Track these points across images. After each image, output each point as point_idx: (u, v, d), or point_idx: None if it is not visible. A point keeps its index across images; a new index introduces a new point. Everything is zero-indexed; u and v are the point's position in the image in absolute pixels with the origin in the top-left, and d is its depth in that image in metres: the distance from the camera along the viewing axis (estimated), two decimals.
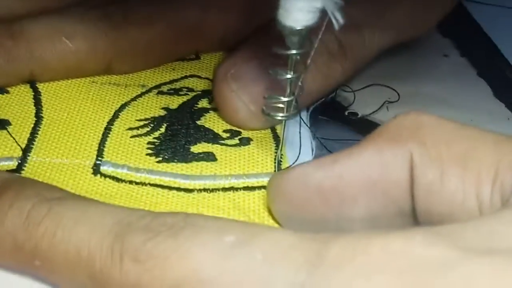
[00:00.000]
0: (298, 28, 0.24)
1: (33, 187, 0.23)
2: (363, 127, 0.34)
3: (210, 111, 0.32)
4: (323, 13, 0.24)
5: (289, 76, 0.26)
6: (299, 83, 0.27)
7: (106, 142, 0.29)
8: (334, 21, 0.23)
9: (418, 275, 0.16)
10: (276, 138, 0.30)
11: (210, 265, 0.18)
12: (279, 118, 0.27)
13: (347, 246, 0.17)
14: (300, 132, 0.30)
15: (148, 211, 0.21)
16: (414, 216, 0.22)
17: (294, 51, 0.25)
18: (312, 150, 0.31)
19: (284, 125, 0.29)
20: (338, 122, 0.34)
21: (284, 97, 0.27)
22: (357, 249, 0.17)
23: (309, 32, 0.25)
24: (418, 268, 0.16)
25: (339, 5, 0.23)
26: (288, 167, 0.28)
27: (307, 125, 0.32)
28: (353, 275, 0.17)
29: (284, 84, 0.27)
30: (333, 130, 0.34)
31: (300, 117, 0.31)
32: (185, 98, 0.32)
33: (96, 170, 0.28)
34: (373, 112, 0.35)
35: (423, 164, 0.21)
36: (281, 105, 0.27)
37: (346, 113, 0.35)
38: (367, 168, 0.22)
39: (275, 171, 0.29)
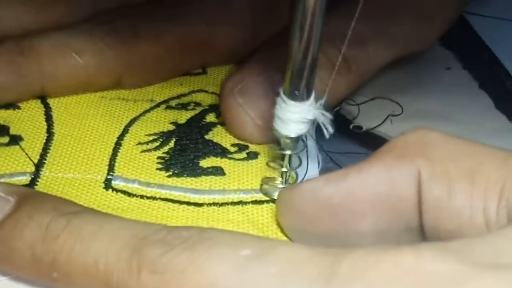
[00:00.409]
0: (292, 136, 0.27)
1: (51, 201, 0.23)
2: (368, 140, 0.35)
3: (217, 126, 0.32)
4: None
5: (284, 169, 0.29)
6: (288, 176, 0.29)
7: (117, 157, 0.30)
8: (324, 130, 0.27)
9: None
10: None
11: (226, 278, 0.19)
12: (275, 196, 0.28)
13: (359, 261, 0.18)
14: (307, 145, 0.31)
15: (163, 225, 0.21)
16: (421, 232, 0.22)
17: (288, 152, 0.28)
18: (319, 163, 0.31)
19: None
20: (343, 135, 0.35)
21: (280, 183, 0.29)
22: (369, 264, 0.18)
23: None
24: (429, 283, 0.17)
25: (328, 117, 0.27)
26: (297, 182, 0.29)
27: (313, 138, 0.32)
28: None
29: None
30: (338, 143, 0.34)
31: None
32: (193, 113, 0.33)
33: (107, 184, 0.28)
34: (377, 125, 0.35)
35: (431, 180, 0.22)
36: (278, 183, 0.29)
37: (351, 127, 0.35)
38: (375, 184, 0.23)
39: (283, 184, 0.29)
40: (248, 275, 0.19)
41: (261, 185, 0.29)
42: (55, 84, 0.32)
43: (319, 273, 0.18)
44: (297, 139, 0.28)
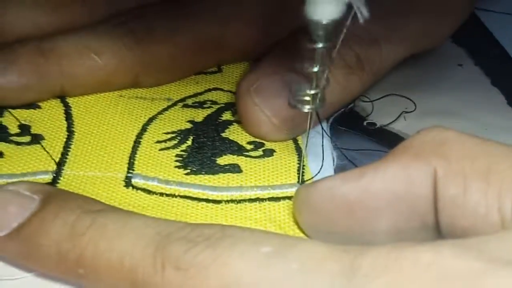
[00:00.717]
0: (324, 22, 0.25)
1: (75, 199, 0.24)
2: (382, 137, 0.35)
3: (233, 123, 0.33)
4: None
5: (315, 69, 0.27)
6: (325, 76, 0.28)
7: (136, 155, 0.30)
8: (359, 14, 0.24)
9: (449, 286, 0.17)
10: (298, 149, 0.31)
11: (248, 274, 0.19)
12: (306, 110, 0.28)
13: (379, 258, 0.18)
14: (322, 143, 0.31)
15: (186, 223, 0.22)
16: (437, 230, 0.23)
17: (320, 45, 0.26)
18: (333, 160, 0.32)
19: (308, 136, 0.30)
20: (357, 132, 0.35)
21: (311, 89, 0.28)
22: (389, 262, 0.18)
23: (336, 26, 0.25)
24: (448, 279, 0.17)
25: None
26: (314, 180, 0.29)
27: (328, 136, 0.33)
28: (386, 287, 0.18)
29: (311, 77, 0.28)
30: (352, 140, 0.35)
31: (322, 128, 0.32)
32: (209, 111, 0.33)
33: (128, 182, 0.29)
34: (391, 122, 0.35)
35: (447, 179, 0.22)
36: (307, 98, 0.28)
37: (365, 123, 0.36)
38: (392, 183, 0.23)
39: (298, 181, 0.30)
40: (269, 271, 0.19)
41: (289, 102, 0.28)
42: (74, 84, 0.33)
43: (340, 270, 0.19)
44: (329, 29, 0.25)
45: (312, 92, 0.28)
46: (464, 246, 0.18)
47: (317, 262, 0.19)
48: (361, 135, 0.35)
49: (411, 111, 0.36)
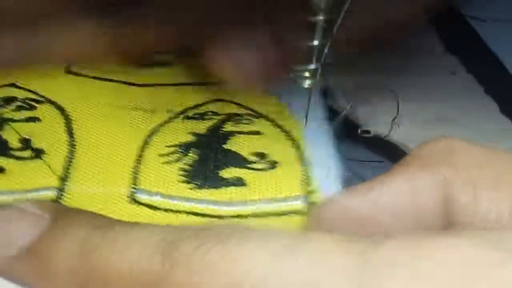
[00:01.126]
0: None
1: (83, 216, 0.24)
2: (376, 146, 0.35)
3: (235, 134, 0.33)
4: None
5: (315, 43, 0.27)
6: (325, 51, 0.27)
7: (139, 170, 0.30)
8: None
9: (469, 274, 0.17)
10: (302, 160, 0.31)
11: (258, 269, 0.19)
12: (306, 85, 0.28)
13: (395, 249, 0.18)
14: (327, 153, 0.31)
15: (192, 226, 0.22)
16: None
17: (321, 17, 0.26)
18: (338, 171, 0.31)
19: (307, 115, 0.30)
20: (352, 140, 0.35)
21: (310, 65, 0.28)
22: (406, 252, 0.18)
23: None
24: (468, 268, 0.17)
25: None
26: (318, 188, 0.29)
27: (333, 145, 0.32)
28: (404, 278, 0.18)
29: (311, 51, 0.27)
30: (347, 148, 0.35)
31: (327, 137, 0.32)
32: (211, 122, 0.33)
33: (131, 198, 0.29)
34: (385, 130, 0.36)
35: (456, 188, 0.22)
36: (308, 73, 0.28)
37: (359, 132, 0.36)
38: (399, 196, 0.23)
39: (303, 193, 0.29)
40: (281, 265, 0.19)
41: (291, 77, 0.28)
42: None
43: (354, 261, 0.18)
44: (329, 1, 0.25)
45: (312, 67, 0.27)
46: (483, 237, 0.18)
47: (327, 257, 0.19)
48: (355, 143, 0.35)
49: (405, 119, 0.36)
